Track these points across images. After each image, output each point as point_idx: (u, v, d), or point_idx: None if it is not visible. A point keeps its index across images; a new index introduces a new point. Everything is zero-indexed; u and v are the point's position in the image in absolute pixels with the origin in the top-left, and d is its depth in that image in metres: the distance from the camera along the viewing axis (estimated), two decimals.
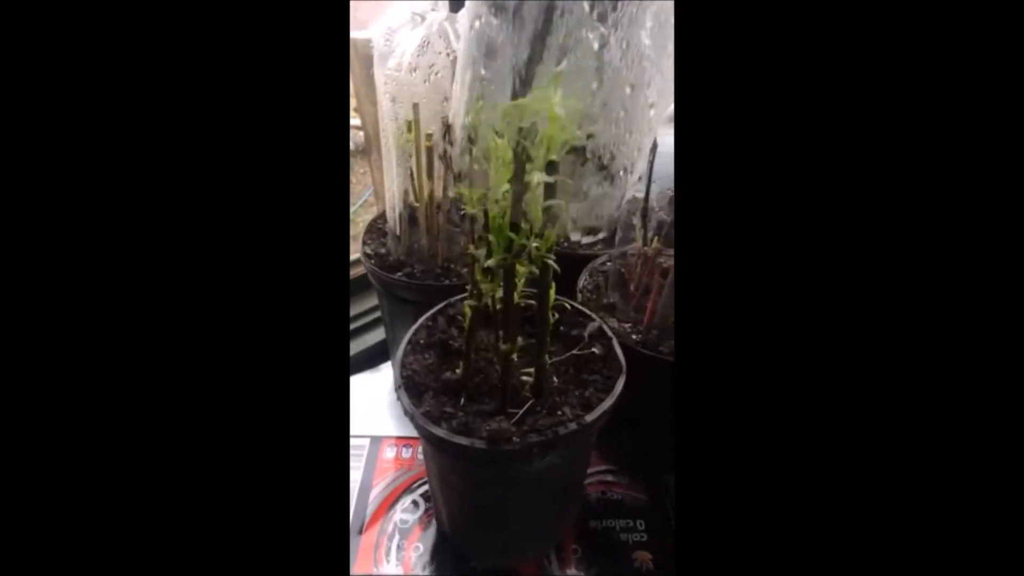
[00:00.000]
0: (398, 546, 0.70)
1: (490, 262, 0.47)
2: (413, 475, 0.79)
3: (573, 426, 0.51)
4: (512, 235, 0.46)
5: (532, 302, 0.54)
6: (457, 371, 0.59)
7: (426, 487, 0.76)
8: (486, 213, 0.47)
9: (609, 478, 0.79)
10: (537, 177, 0.46)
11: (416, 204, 0.74)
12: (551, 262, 0.48)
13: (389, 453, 0.82)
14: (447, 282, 0.73)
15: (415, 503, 0.75)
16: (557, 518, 0.65)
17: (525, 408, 0.55)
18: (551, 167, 0.45)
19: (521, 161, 0.44)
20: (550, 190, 0.47)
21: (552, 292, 0.53)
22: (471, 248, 0.51)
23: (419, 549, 0.70)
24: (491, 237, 0.47)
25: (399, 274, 0.74)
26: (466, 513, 0.61)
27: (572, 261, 0.80)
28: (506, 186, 0.48)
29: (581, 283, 0.77)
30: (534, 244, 0.47)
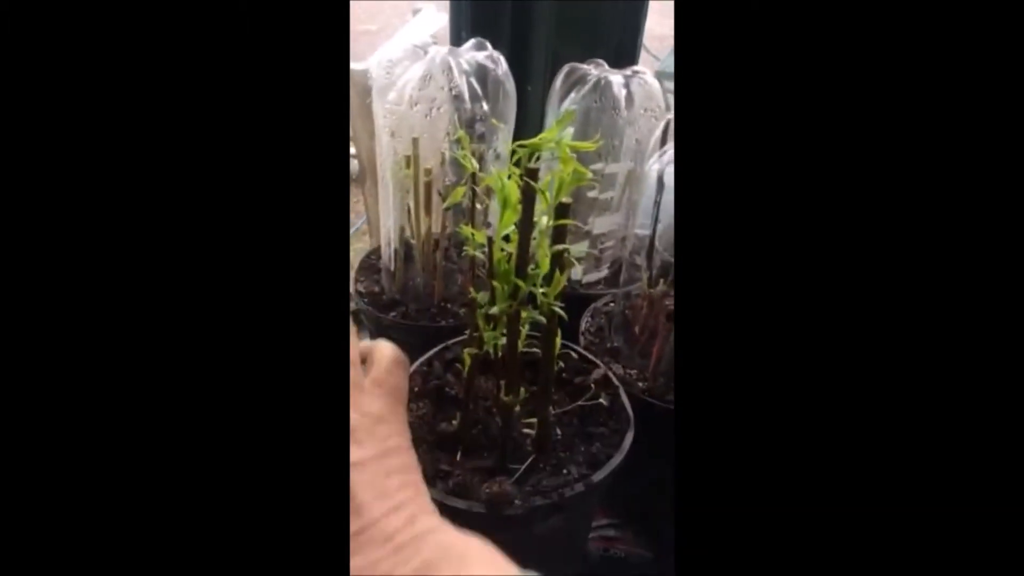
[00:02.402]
0: None
1: (494, 309, 0.43)
2: None
3: (580, 487, 0.47)
4: (519, 281, 0.42)
5: (535, 350, 0.51)
6: (454, 422, 0.55)
7: None
8: (490, 255, 0.44)
9: (611, 533, 0.74)
10: (546, 220, 0.43)
11: (412, 240, 0.71)
12: (559, 310, 0.45)
13: None
14: (444, 323, 0.70)
15: None
16: None
17: (527, 464, 0.51)
18: (561, 209, 0.43)
19: (530, 205, 0.42)
20: (559, 233, 0.44)
21: (558, 341, 0.49)
22: (472, 292, 0.48)
23: None
24: (495, 283, 0.44)
25: (393, 314, 0.70)
26: None
27: (573, 301, 0.77)
28: (512, 227, 0.45)
29: (583, 325, 0.73)
30: (541, 291, 0.44)
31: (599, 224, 0.79)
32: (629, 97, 0.75)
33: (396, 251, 0.73)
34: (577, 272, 0.82)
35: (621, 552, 0.72)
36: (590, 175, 0.41)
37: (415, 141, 0.60)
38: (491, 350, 0.50)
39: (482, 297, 0.46)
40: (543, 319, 0.44)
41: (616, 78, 0.73)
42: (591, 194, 0.76)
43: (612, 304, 0.76)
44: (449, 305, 0.72)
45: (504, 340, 0.48)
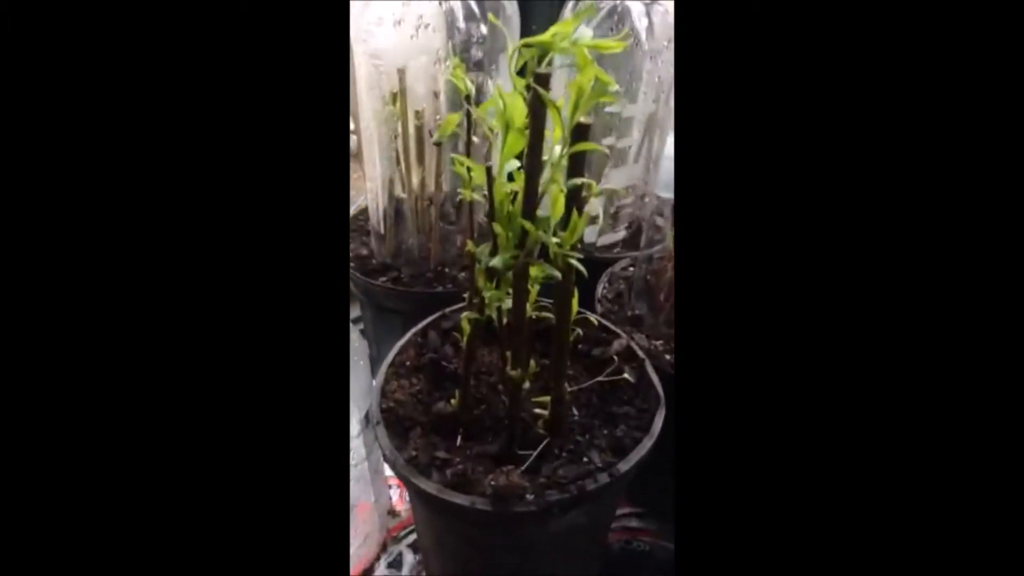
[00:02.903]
0: None
1: (495, 262, 0.35)
2: (400, 521, 0.66)
3: (605, 478, 0.39)
4: (526, 224, 0.34)
5: (547, 314, 0.42)
6: (452, 401, 0.47)
7: (415, 536, 0.64)
8: (490, 195, 0.35)
9: (634, 523, 0.66)
10: (560, 150, 0.34)
11: (403, 196, 0.62)
12: (576, 262, 0.36)
13: None
14: (440, 289, 0.61)
15: (400, 556, 0.63)
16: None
17: (539, 450, 0.43)
18: (579, 133, 0.34)
19: (539, 125, 0.33)
20: (576, 164, 0.35)
21: (575, 302, 0.41)
22: (470, 245, 0.39)
23: None
24: (497, 228, 0.35)
25: (383, 279, 0.62)
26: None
27: (588, 265, 0.68)
28: (516, 162, 0.36)
29: (600, 291, 0.65)
30: (554, 240, 0.35)
31: (615, 177, 0.70)
32: (650, 28, 0.65)
33: (385, 210, 0.64)
34: (591, 234, 0.73)
35: (645, 545, 0.64)
36: (614, 85, 0.32)
37: (401, 72, 0.51)
38: (494, 315, 0.42)
39: (483, 250, 0.38)
40: (556, 274, 0.36)
41: (635, 5, 0.63)
42: (606, 141, 0.66)
43: (632, 268, 0.68)
44: (447, 269, 0.63)
45: (509, 302, 0.39)
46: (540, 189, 0.35)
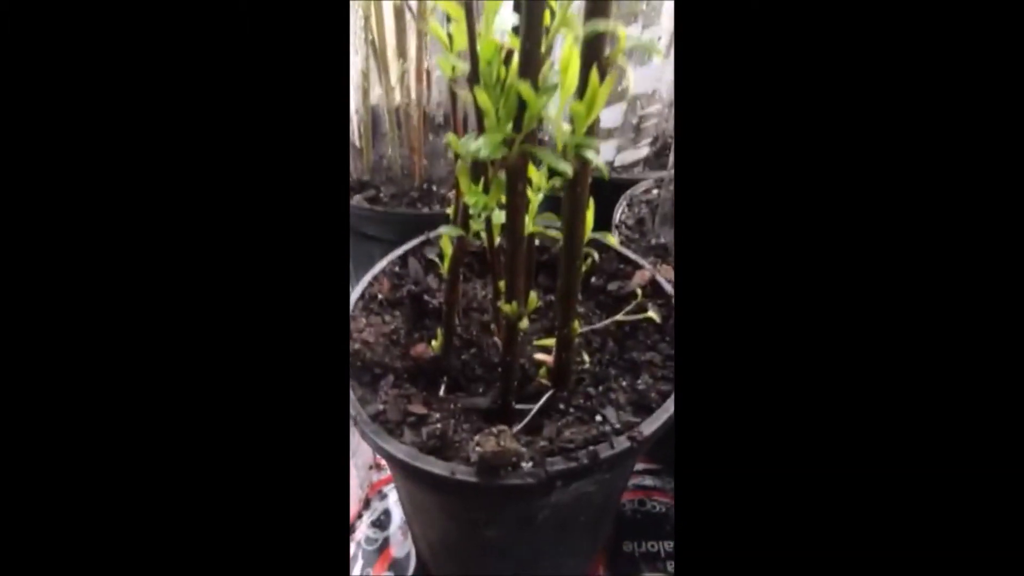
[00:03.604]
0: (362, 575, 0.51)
1: (481, 147, 0.24)
2: (387, 476, 0.59)
3: (623, 442, 0.30)
4: (523, 90, 0.23)
5: (552, 231, 0.32)
6: (434, 343, 0.38)
7: None
8: (472, 52, 0.25)
9: (648, 482, 0.59)
10: None
11: (384, 102, 0.51)
12: (594, 156, 0.26)
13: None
14: (427, 210, 0.51)
15: (387, 514, 0.56)
16: (580, 554, 0.45)
17: (541, 404, 0.34)
18: None
19: None
20: (597, 8, 0.24)
21: (590, 215, 0.30)
22: (451, 137, 0.28)
23: None
24: (482, 99, 0.24)
25: (359, 198, 0.52)
26: (451, 551, 0.41)
27: (605, 188, 0.57)
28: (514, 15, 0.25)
29: (618, 216, 0.54)
30: (565, 127, 0.25)
31: (639, 79, 0.58)
32: None
33: (363, 118, 0.53)
34: (609, 150, 0.62)
35: (661, 506, 0.57)
36: None
37: None
38: (483, 233, 0.32)
39: (467, 140, 0.27)
40: (565, 167, 0.25)
41: None
42: (630, 30, 0.54)
43: (657, 191, 0.57)
44: (435, 187, 0.53)
45: (503, 214, 0.29)
46: (545, 40, 0.24)
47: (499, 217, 0.31)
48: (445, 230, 0.30)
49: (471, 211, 0.29)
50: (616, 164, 0.62)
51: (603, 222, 0.54)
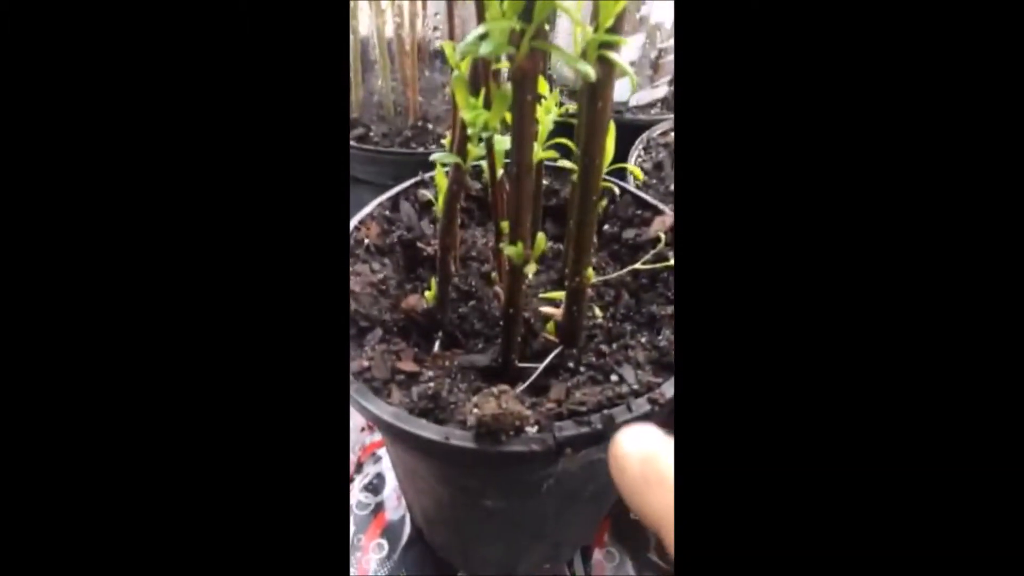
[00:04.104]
0: (353, 541, 0.48)
1: (481, 42, 0.19)
2: (380, 439, 0.56)
3: (643, 405, 0.27)
4: None
5: (565, 164, 0.28)
6: (428, 294, 0.33)
7: None
8: None
9: None
10: None
11: (375, 32, 0.46)
12: (619, 59, 0.21)
13: None
14: (422, 150, 0.46)
15: (380, 478, 0.53)
16: (586, 524, 0.42)
17: (548, 361, 0.30)
18: None
19: None
20: None
21: (610, 140, 0.26)
22: (446, 44, 0.23)
23: (382, 548, 0.48)
24: None
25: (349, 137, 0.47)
26: (445, 520, 0.38)
27: (620, 130, 0.52)
28: None
29: (633, 160, 0.49)
30: (582, 32, 0.20)
31: (657, 8, 0.52)
32: None
33: (351, 48, 0.48)
34: (623, 90, 0.56)
35: None
36: None
37: None
38: (484, 167, 0.27)
39: (467, 44, 0.22)
40: (587, 69, 0.20)
41: None
42: None
43: (675, 133, 0.51)
44: (431, 126, 0.48)
45: (507, 140, 0.24)
46: None
47: (503, 143, 0.26)
48: (439, 156, 0.25)
49: (469, 132, 0.24)
50: (631, 104, 0.56)
51: (619, 163, 0.49)
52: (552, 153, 0.26)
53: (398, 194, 0.40)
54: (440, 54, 0.53)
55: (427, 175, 0.40)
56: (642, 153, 0.50)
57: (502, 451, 0.25)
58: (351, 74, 0.49)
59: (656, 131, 0.52)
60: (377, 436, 0.56)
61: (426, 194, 0.40)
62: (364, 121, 0.49)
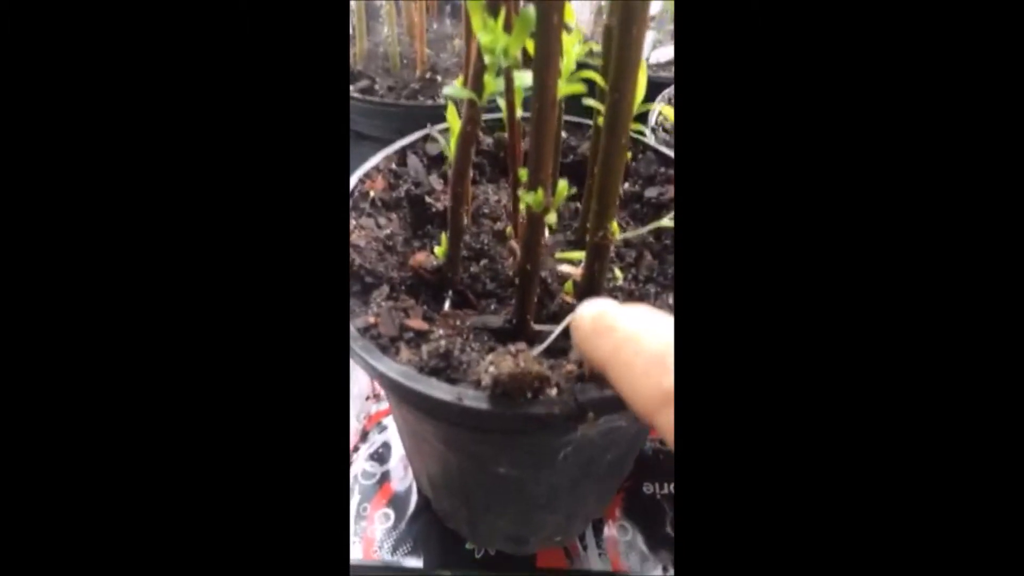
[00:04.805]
0: (358, 511, 0.47)
1: None
2: (387, 408, 0.54)
3: None
4: None
5: (582, 121, 0.25)
6: (438, 250, 0.31)
7: None
8: None
9: None
10: None
11: None
12: None
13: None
14: (431, 102, 0.43)
15: (386, 447, 0.52)
16: (601, 494, 0.41)
17: (567, 323, 0.28)
18: None
19: None
20: None
21: (642, 79, 0.23)
22: None
23: (388, 518, 0.47)
24: None
25: (352, 90, 0.44)
26: (455, 489, 0.36)
27: None
28: None
29: (653, 119, 0.47)
30: None
31: None
32: None
33: None
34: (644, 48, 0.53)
35: None
36: None
37: None
38: (501, 96, 0.25)
39: None
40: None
41: None
42: None
43: None
44: (439, 78, 0.45)
45: (528, 75, 0.22)
46: None
47: (522, 79, 0.24)
48: (451, 91, 0.23)
49: (486, 60, 0.21)
50: (652, 62, 0.53)
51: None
52: (580, 87, 0.23)
53: (405, 147, 0.37)
54: (451, 10, 0.50)
55: (438, 127, 0.38)
56: (662, 113, 0.47)
57: (519, 413, 0.24)
58: (356, 23, 0.46)
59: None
60: (383, 405, 0.55)
61: (435, 148, 0.38)
62: (369, 73, 0.46)
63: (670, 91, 0.49)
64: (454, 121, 0.26)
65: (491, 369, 0.24)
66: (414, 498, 0.49)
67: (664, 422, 0.18)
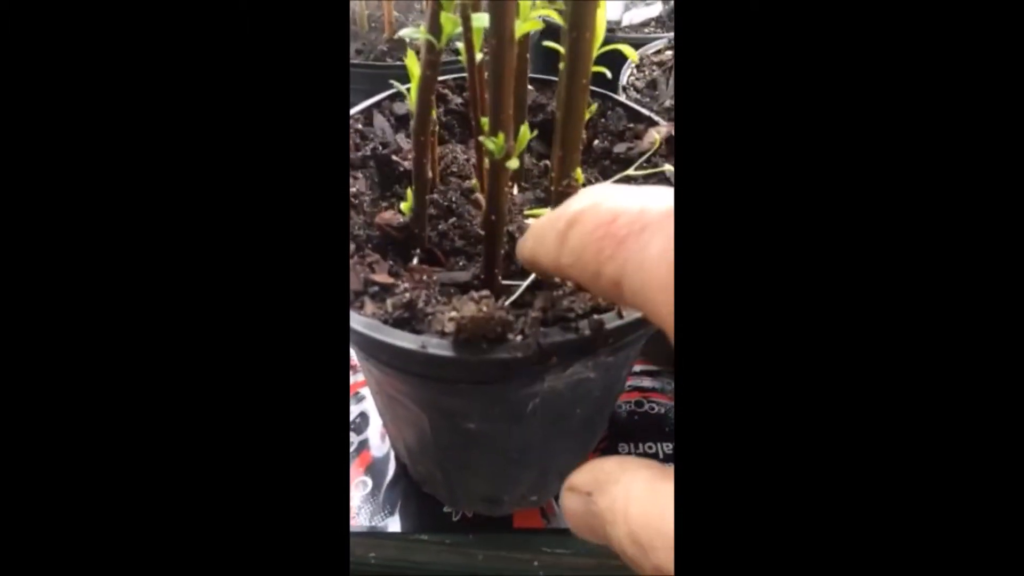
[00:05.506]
0: None
1: None
2: (363, 379, 0.54)
3: (635, 312, 0.25)
4: None
5: (548, 79, 0.25)
6: (404, 207, 0.31)
7: None
8: None
9: (647, 383, 0.55)
10: None
11: None
12: None
13: None
14: (398, 61, 0.43)
15: (363, 416, 0.52)
16: (574, 452, 0.41)
17: (533, 277, 0.29)
18: None
19: None
20: None
21: (600, 18, 0.23)
22: None
23: (366, 485, 0.47)
24: None
25: None
26: (427, 449, 0.36)
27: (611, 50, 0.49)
28: None
29: (625, 79, 0.46)
30: None
31: None
32: None
33: None
34: (615, 9, 0.53)
35: (659, 407, 0.53)
36: None
37: None
38: (461, 43, 0.25)
39: None
40: None
41: None
42: None
43: (671, 52, 0.48)
44: (407, 40, 0.44)
45: (485, 16, 0.22)
46: None
47: (480, 20, 0.23)
48: (407, 32, 0.22)
49: (443, 1, 0.21)
50: (624, 24, 0.53)
51: (610, 84, 0.46)
52: (537, 23, 0.23)
53: (371, 107, 0.37)
54: None
55: (405, 86, 0.37)
56: (634, 71, 0.47)
57: (483, 359, 0.24)
58: None
59: (649, 49, 0.49)
60: (360, 376, 0.55)
61: (402, 107, 0.37)
62: None
63: (641, 51, 0.49)
64: (413, 66, 0.25)
65: (454, 314, 0.24)
66: (392, 466, 0.49)
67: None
